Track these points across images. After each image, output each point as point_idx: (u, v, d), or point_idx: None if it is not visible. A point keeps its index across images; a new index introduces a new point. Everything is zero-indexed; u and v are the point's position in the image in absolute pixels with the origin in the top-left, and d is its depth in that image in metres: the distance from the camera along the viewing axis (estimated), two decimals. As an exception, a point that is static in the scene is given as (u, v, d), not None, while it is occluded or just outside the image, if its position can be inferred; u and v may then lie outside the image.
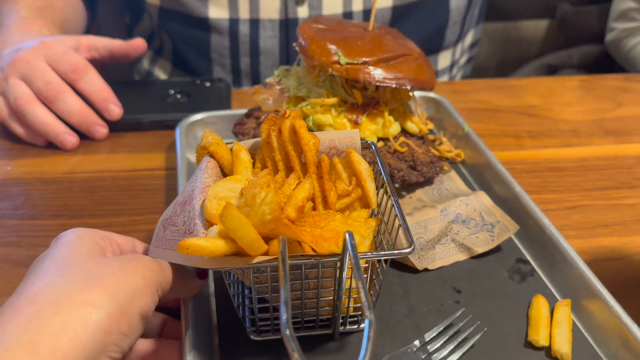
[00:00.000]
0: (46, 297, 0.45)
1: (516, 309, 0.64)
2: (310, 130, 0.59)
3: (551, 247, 0.70)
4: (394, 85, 0.77)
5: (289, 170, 0.59)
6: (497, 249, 0.72)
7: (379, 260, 0.57)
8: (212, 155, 0.60)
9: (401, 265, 0.69)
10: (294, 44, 0.83)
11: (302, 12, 1.14)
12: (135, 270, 0.49)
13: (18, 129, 0.93)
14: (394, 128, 0.81)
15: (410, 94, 0.84)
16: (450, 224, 0.73)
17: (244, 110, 0.91)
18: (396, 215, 0.56)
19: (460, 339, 0.60)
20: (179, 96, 1.04)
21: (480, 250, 0.71)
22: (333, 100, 0.79)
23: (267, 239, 0.48)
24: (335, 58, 0.76)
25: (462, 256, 0.71)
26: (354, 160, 0.59)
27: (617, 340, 0.59)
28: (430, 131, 0.92)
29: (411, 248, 0.53)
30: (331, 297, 0.56)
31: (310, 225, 0.54)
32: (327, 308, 0.57)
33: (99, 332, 0.45)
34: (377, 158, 0.62)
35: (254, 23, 1.15)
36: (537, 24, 2.10)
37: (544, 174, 0.91)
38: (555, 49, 1.92)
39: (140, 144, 0.95)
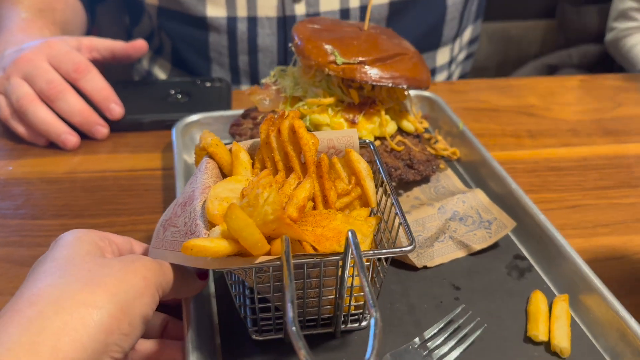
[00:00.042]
0: (47, 297, 0.45)
1: (515, 305, 0.65)
2: (307, 130, 0.59)
3: (547, 243, 0.70)
4: (390, 85, 0.77)
5: (289, 170, 0.59)
6: (494, 246, 0.72)
7: (380, 259, 0.57)
8: (211, 156, 0.60)
9: (400, 264, 0.70)
10: (290, 44, 0.83)
11: (300, 9, 1.15)
12: (136, 271, 0.50)
13: (19, 129, 0.93)
14: (391, 127, 0.81)
15: (406, 93, 0.84)
16: (448, 222, 0.73)
17: (239, 111, 0.92)
18: (396, 214, 0.56)
19: (460, 335, 0.60)
20: (179, 96, 1.04)
21: (478, 247, 0.71)
22: (330, 100, 0.79)
23: (269, 239, 0.49)
24: (332, 58, 0.77)
25: (460, 253, 0.71)
26: (353, 160, 0.59)
27: (615, 333, 0.60)
28: (426, 130, 0.92)
29: (412, 246, 0.53)
30: (333, 296, 0.56)
31: (312, 225, 0.54)
32: (328, 307, 0.57)
33: (100, 332, 0.45)
34: (376, 157, 0.63)
35: (252, 21, 1.16)
36: (537, 24, 2.10)
37: (544, 174, 0.91)
38: (555, 49, 1.93)
39: (141, 144, 0.95)
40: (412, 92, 1.00)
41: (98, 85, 0.94)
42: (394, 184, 0.81)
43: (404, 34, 0.91)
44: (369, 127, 0.79)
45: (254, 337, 0.59)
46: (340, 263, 0.52)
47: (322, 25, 0.83)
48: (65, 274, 0.48)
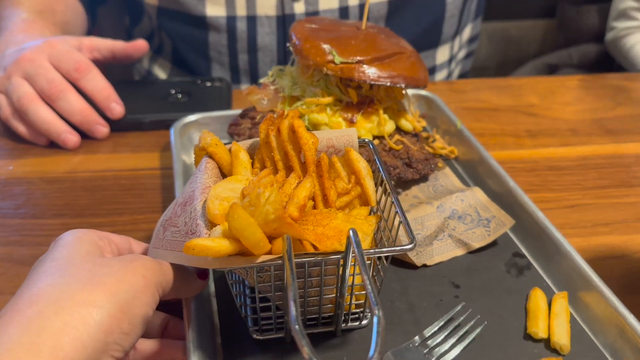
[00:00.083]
0: (47, 297, 0.45)
1: (514, 302, 0.65)
2: (307, 129, 0.60)
3: (546, 241, 0.70)
4: (388, 84, 0.77)
5: (288, 169, 0.59)
6: (493, 244, 0.73)
7: (380, 257, 0.57)
8: (211, 156, 0.60)
9: (399, 262, 0.70)
10: (288, 44, 0.83)
11: (299, 7, 1.15)
12: (135, 270, 0.50)
13: (20, 128, 0.93)
14: (389, 126, 0.81)
15: (404, 92, 0.85)
16: (446, 220, 0.74)
17: (237, 111, 0.92)
18: (396, 212, 0.57)
19: (460, 333, 0.60)
20: (179, 96, 1.04)
21: (477, 245, 0.72)
22: (328, 99, 0.79)
23: (270, 238, 0.49)
24: (330, 57, 0.77)
25: (459, 251, 0.72)
26: (352, 159, 0.59)
27: (614, 330, 0.60)
28: (424, 129, 0.92)
29: (412, 244, 0.53)
30: (333, 295, 0.56)
31: (313, 224, 0.55)
32: (329, 305, 0.57)
33: (100, 331, 0.45)
34: (375, 156, 0.63)
35: (251, 20, 1.16)
36: (537, 23, 2.11)
37: (544, 173, 0.91)
38: (555, 49, 1.93)
39: (142, 144, 0.96)
40: (410, 91, 1.00)
41: (99, 84, 0.94)
42: (392, 182, 0.82)
43: (404, 32, 0.91)
44: (367, 126, 0.79)
45: (254, 336, 0.59)
46: (342, 262, 0.52)
47: (320, 24, 0.84)
48: (65, 274, 0.48)
